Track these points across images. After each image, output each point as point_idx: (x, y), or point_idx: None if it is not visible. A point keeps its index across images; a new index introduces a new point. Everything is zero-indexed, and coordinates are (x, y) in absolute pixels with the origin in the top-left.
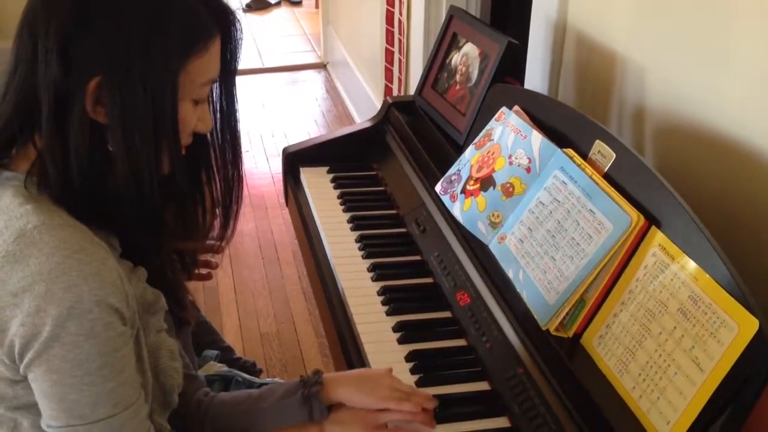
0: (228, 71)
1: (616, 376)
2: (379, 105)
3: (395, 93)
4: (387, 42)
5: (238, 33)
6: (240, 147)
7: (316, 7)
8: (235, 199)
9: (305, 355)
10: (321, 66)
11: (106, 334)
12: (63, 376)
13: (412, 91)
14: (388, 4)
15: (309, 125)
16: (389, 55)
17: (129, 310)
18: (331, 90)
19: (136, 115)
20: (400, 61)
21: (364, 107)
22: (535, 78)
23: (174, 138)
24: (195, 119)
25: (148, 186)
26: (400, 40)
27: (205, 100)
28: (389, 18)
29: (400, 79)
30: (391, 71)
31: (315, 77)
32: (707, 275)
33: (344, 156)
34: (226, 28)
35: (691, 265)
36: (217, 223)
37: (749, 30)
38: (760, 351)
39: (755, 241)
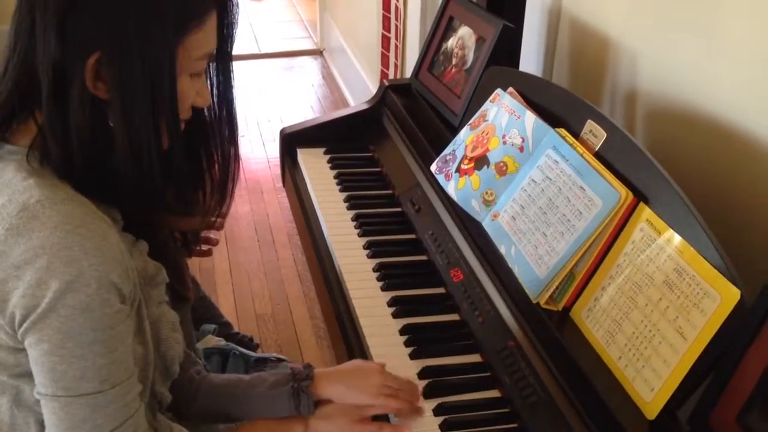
0: (224, 46)
1: (604, 347)
2: (375, 91)
3: (392, 78)
4: (384, 28)
5: (235, 7)
6: (236, 124)
7: None
8: (231, 176)
9: (300, 336)
10: (317, 52)
11: (102, 310)
12: (54, 346)
13: (407, 76)
14: None
15: (305, 111)
16: (386, 41)
17: (129, 285)
18: (328, 76)
19: (136, 90)
20: (396, 46)
21: (360, 93)
22: (530, 62)
23: (173, 112)
24: (193, 93)
25: (147, 160)
26: (396, 26)
27: (202, 75)
28: (386, 4)
29: (396, 65)
30: (388, 57)
31: (311, 63)
32: (692, 248)
33: (341, 137)
34: (222, 1)
35: (677, 238)
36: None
37: (739, 15)
38: (741, 320)
39: (741, 220)
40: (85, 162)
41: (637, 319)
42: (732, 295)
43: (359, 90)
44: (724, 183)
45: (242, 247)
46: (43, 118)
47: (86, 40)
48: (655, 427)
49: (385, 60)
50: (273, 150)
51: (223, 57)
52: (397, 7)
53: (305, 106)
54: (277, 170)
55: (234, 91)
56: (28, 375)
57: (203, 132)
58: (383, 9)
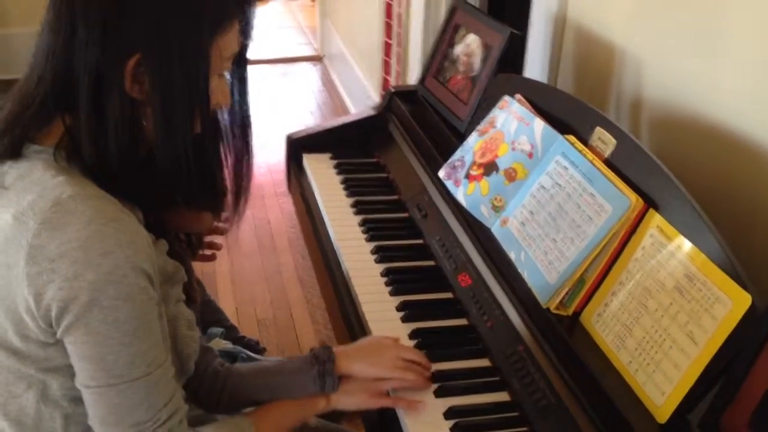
0: (243, 50)
1: (614, 352)
2: (376, 97)
3: (393, 85)
4: (386, 35)
5: (254, 12)
6: (250, 122)
7: (312, 0)
8: (246, 173)
9: (301, 340)
10: (317, 58)
11: (141, 297)
12: (102, 337)
13: (409, 83)
14: None
15: (305, 117)
16: (387, 48)
17: (156, 277)
18: (327, 82)
19: (174, 89)
20: (398, 53)
21: (360, 100)
22: (535, 69)
23: (207, 110)
24: (218, 93)
25: (184, 155)
26: (398, 33)
27: (225, 76)
28: (388, 11)
29: (398, 72)
30: (389, 64)
31: (311, 69)
32: (702, 254)
33: (346, 143)
34: (245, 4)
35: (687, 244)
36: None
37: (743, 22)
38: (752, 325)
39: (746, 226)
40: (120, 161)
41: (647, 324)
42: (743, 300)
43: (360, 96)
44: (728, 189)
45: (243, 252)
46: (81, 119)
47: (127, 44)
48: (665, 430)
49: (386, 67)
50: (272, 156)
51: (240, 60)
52: (399, 15)
53: (305, 112)
54: (278, 176)
55: (248, 91)
56: (55, 370)
57: (219, 130)
58: (386, 16)
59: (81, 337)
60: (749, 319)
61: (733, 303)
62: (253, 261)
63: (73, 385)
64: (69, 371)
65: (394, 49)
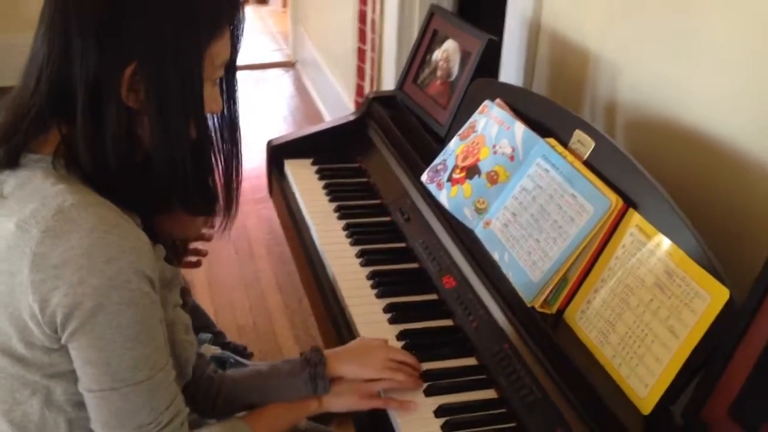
0: (233, 54)
1: (598, 347)
2: (349, 103)
3: (367, 90)
4: (359, 40)
5: (243, 20)
6: (239, 126)
7: (284, 6)
8: (236, 176)
9: (282, 346)
10: (289, 65)
11: (144, 302)
12: (106, 342)
13: (384, 88)
14: (361, 2)
15: (278, 123)
16: (361, 54)
17: (156, 281)
18: (300, 88)
19: (170, 95)
20: (372, 59)
21: (334, 105)
22: (510, 74)
23: (201, 115)
24: (210, 100)
25: (181, 160)
26: (373, 39)
27: (216, 82)
28: (362, 17)
29: (372, 77)
30: (363, 69)
31: (283, 76)
32: (681, 251)
33: (327, 149)
34: (235, 12)
35: (666, 242)
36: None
37: (714, 28)
38: (730, 318)
39: (722, 226)
40: (118, 168)
41: (629, 319)
42: (721, 294)
43: (333, 102)
44: (701, 190)
45: (221, 259)
46: (77, 129)
47: (123, 52)
48: (649, 422)
49: (360, 72)
50: (249, 162)
51: (229, 68)
52: (373, 20)
53: (278, 119)
54: (255, 182)
55: (237, 96)
56: (59, 375)
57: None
58: (359, 22)
59: (86, 342)
60: (727, 312)
61: (711, 297)
62: (231, 268)
63: (76, 390)
64: (73, 376)
65: (369, 54)
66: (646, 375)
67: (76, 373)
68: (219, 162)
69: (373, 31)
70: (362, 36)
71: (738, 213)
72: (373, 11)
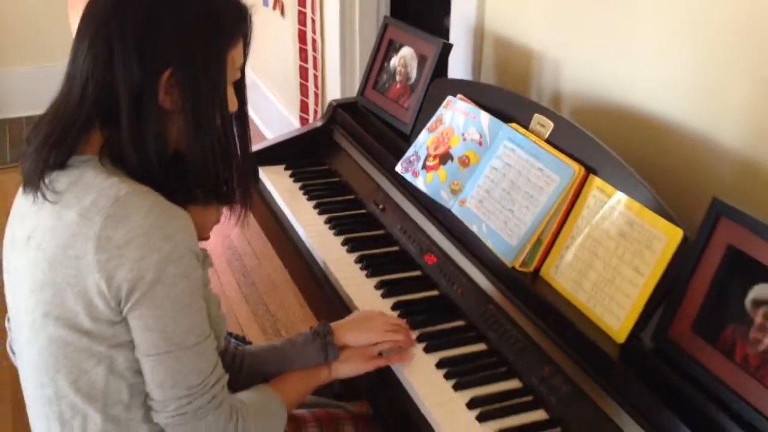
0: (244, 59)
1: (573, 295)
2: (293, 119)
3: (311, 107)
4: (301, 59)
5: (252, 29)
6: (248, 121)
7: None
8: (249, 165)
9: None
10: None
11: (194, 275)
12: (164, 310)
13: (328, 102)
14: (299, 24)
15: None
16: (303, 72)
17: (200, 259)
18: None
19: (201, 98)
20: (315, 76)
21: (276, 124)
22: (459, 76)
23: (225, 112)
24: (231, 99)
25: (211, 152)
26: (314, 57)
27: (232, 85)
28: (302, 37)
29: (316, 94)
30: (307, 86)
31: None
32: (638, 203)
33: (296, 155)
34: (247, 23)
35: (624, 197)
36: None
37: (646, 21)
38: (685, 252)
39: (661, 190)
40: (158, 163)
41: (599, 266)
42: (676, 234)
43: (276, 120)
44: (647, 165)
45: None
46: (121, 130)
47: (161, 61)
48: (625, 348)
49: (304, 89)
50: None
51: (241, 71)
52: (314, 40)
53: None
54: None
55: (246, 97)
56: (121, 345)
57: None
58: (299, 42)
59: (146, 311)
60: (682, 248)
61: (668, 238)
62: None
63: (135, 358)
64: (132, 346)
65: (311, 72)
66: (618, 310)
67: (134, 343)
68: (236, 154)
69: (314, 50)
70: (303, 55)
71: (677, 175)
72: (313, 32)
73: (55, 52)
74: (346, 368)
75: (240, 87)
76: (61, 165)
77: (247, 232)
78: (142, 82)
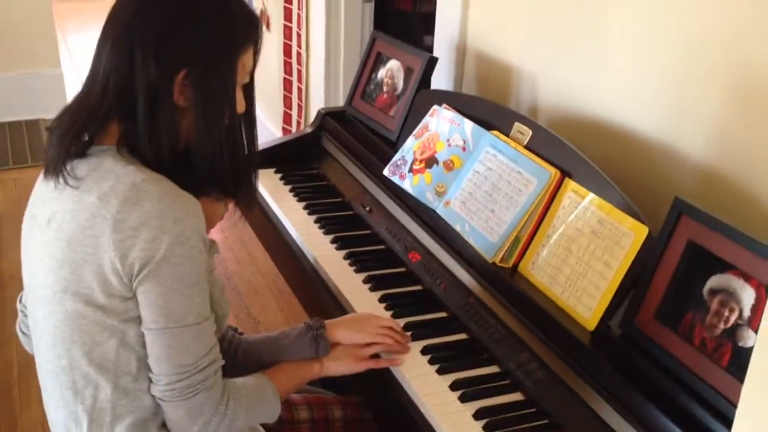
0: (254, 64)
1: (548, 288)
2: (276, 130)
3: (294, 118)
4: (285, 72)
5: (262, 35)
6: (255, 121)
7: None
8: (255, 162)
9: None
10: None
11: (199, 257)
12: (168, 288)
13: (312, 115)
14: (285, 38)
15: None
16: (287, 84)
17: (206, 245)
18: None
19: (212, 97)
20: (299, 89)
21: (260, 133)
22: (442, 88)
23: (234, 112)
24: (239, 102)
25: (219, 148)
26: (299, 70)
27: (241, 87)
28: (287, 50)
29: (300, 106)
30: (290, 98)
31: None
32: (608, 204)
33: (286, 160)
34: (258, 30)
35: (596, 198)
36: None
37: (615, 41)
38: (650, 248)
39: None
40: (170, 155)
41: (572, 262)
42: (642, 231)
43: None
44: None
45: None
46: (137, 124)
47: (177, 61)
48: (595, 335)
49: (287, 101)
50: None
51: (251, 75)
52: (299, 54)
53: None
54: None
55: (254, 99)
56: (132, 320)
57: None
58: (284, 55)
59: (152, 287)
60: (648, 243)
61: (635, 234)
62: None
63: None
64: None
65: (295, 84)
66: (589, 301)
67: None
68: (242, 151)
69: (299, 63)
70: (288, 68)
71: (643, 179)
72: (299, 46)
73: (38, 60)
74: (338, 366)
75: (249, 90)
76: (82, 154)
77: (229, 239)
78: (158, 80)
